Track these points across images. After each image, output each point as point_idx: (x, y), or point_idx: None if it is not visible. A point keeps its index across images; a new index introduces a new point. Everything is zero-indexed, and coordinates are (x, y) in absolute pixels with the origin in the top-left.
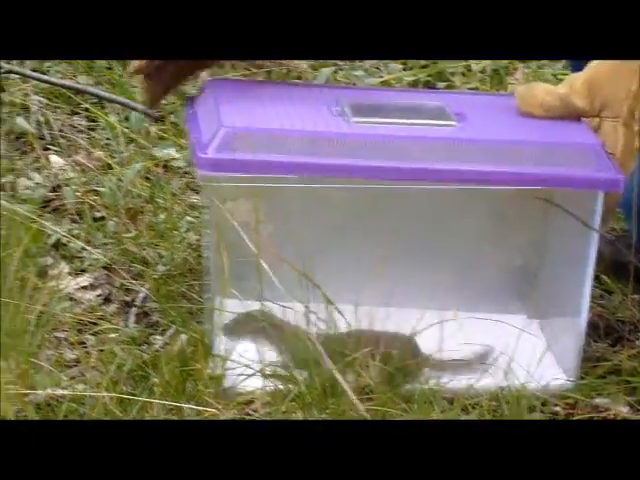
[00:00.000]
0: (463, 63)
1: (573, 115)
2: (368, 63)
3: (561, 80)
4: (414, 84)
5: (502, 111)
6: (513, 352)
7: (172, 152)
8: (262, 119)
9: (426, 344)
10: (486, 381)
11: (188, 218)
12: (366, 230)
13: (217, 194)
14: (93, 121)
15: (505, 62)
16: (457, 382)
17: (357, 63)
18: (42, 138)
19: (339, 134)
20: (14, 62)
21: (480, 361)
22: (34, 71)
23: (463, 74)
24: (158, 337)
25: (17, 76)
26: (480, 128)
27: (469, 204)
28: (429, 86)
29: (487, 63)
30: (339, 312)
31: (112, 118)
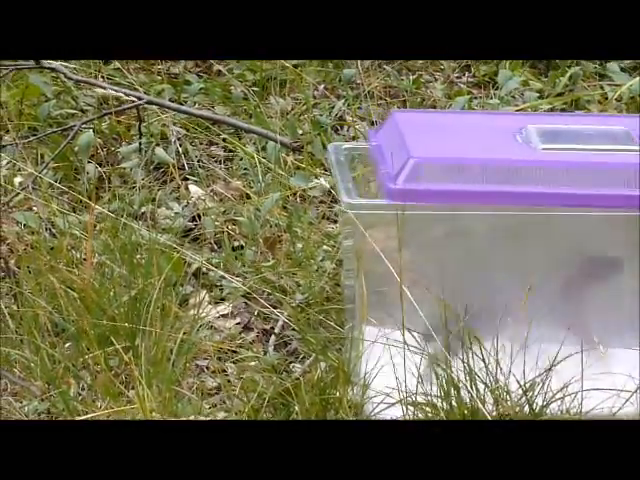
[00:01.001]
0: (599, 91)
1: None
2: (503, 91)
3: None
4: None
5: None
6: None
7: (323, 182)
8: (449, 149)
9: (567, 374)
10: (627, 410)
11: (324, 247)
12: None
13: (359, 222)
14: (231, 151)
15: None
16: (598, 410)
17: (491, 91)
18: (181, 168)
19: (530, 162)
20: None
21: None
22: (172, 102)
23: (599, 102)
24: (297, 365)
25: (156, 107)
26: None
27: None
28: None
29: (623, 91)
30: (478, 341)
31: (249, 148)
